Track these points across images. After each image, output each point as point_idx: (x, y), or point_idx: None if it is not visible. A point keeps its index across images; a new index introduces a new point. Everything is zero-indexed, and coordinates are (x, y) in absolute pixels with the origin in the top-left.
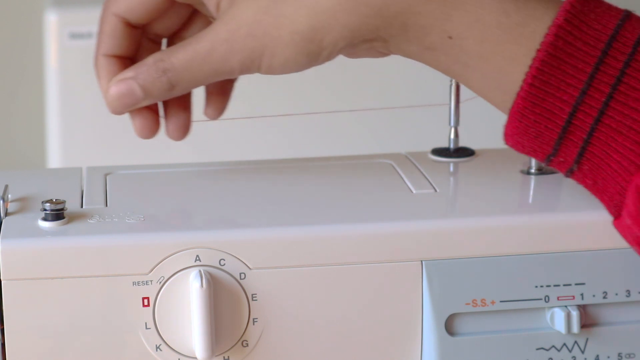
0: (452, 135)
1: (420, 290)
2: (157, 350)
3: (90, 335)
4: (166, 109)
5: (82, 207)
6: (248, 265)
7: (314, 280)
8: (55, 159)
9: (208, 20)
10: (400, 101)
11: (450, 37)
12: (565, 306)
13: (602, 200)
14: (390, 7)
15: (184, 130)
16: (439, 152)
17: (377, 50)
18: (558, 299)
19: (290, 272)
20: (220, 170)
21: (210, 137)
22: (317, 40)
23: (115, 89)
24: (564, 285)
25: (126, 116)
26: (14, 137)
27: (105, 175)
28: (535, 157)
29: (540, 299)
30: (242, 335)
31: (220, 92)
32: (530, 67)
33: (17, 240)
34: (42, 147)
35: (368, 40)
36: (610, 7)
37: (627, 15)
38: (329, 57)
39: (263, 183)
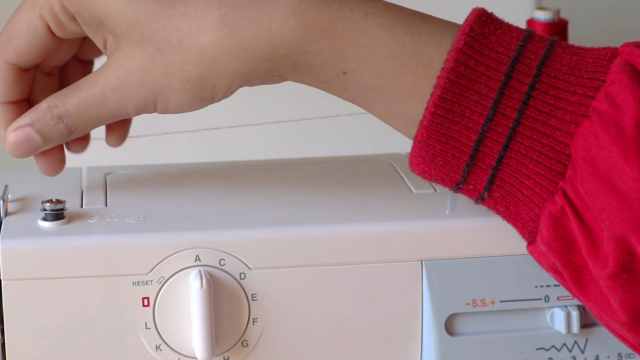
0: None
1: (420, 290)
2: (157, 350)
3: (90, 335)
4: None
5: (82, 207)
6: (248, 265)
7: (314, 280)
8: None
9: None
10: None
11: (344, 73)
12: (565, 306)
13: (515, 226)
14: (280, 49)
15: (60, 165)
16: None
17: (273, 81)
18: (558, 299)
19: (290, 272)
20: (220, 170)
21: (210, 138)
22: (209, 86)
23: (14, 136)
24: None
25: None
26: None
27: (105, 175)
28: (444, 184)
29: (540, 299)
30: (242, 335)
31: (121, 121)
32: (432, 95)
33: (17, 240)
34: None
35: (262, 78)
36: (510, 28)
37: (529, 35)
38: (225, 97)
39: (263, 183)
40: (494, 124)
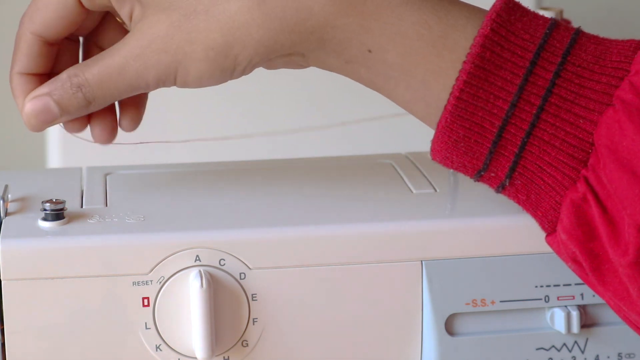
0: None
1: (420, 290)
2: (157, 350)
3: (90, 335)
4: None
5: (82, 207)
6: (248, 265)
7: (314, 280)
8: (55, 159)
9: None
10: None
11: (369, 51)
12: (565, 306)
13: (535, 215)
14: (306, 22)
15: (112, 133)
16: None
17: (296, 62)
18: (558, 299)
19: (290, 272)
20: (220, 170)
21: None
22: (232, 56)
23: (31, 106)
24: (564, 285)
25: None
26: (14, 137)
27: (105, 175)
28: (465, 172)
29: (540, 299)
30: (242, 335)
31: (135, 104)
32: (457, 79)
33: (17, 240)
34: (42, 147)
35: (285, 55)
36: (536, 16)
37: (554, 23)
38: (244, 72)
39: (263, 183)
40: (518, 110)
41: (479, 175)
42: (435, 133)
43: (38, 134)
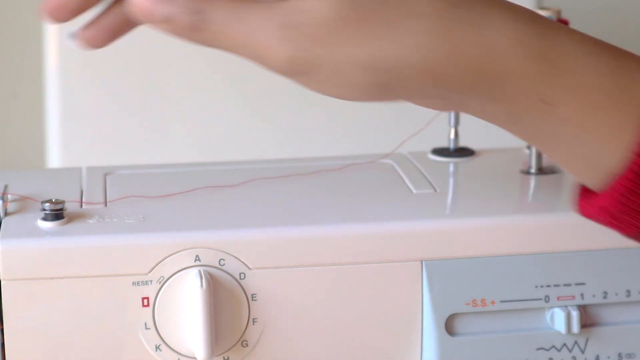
0: (452, 135)
1: (420, 290)
2: (157, 350)
3: (90, 335)
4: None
5: (81, 207)
6: (248, 265)
7: (314, 280)
8: (55, 159)
9: None
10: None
11: (542, 101)
12: (565, 306)
13: None
14: (486, 58)
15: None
16: (439, 152)
17: (445, 105)
18: (558, 299)
19: (290, 272)
20: (220, 170)
21: (210, 137)
22: (401, 77)
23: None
24: (564, 285)
25: (126, 116)
26: (14, 137)
27: (105, 175)
28: (621, 231)
29: (540, 299)
30: (242, 335)
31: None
32: None
33: (17, 240)
34: (42, 147)
35: (445, 96)
36: None
37: None
38: (398, 97)
39: (263, 183)
40: None
41: None
42: (609, 193)
43: (38, 134)
